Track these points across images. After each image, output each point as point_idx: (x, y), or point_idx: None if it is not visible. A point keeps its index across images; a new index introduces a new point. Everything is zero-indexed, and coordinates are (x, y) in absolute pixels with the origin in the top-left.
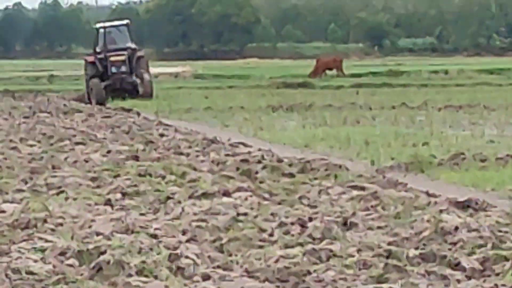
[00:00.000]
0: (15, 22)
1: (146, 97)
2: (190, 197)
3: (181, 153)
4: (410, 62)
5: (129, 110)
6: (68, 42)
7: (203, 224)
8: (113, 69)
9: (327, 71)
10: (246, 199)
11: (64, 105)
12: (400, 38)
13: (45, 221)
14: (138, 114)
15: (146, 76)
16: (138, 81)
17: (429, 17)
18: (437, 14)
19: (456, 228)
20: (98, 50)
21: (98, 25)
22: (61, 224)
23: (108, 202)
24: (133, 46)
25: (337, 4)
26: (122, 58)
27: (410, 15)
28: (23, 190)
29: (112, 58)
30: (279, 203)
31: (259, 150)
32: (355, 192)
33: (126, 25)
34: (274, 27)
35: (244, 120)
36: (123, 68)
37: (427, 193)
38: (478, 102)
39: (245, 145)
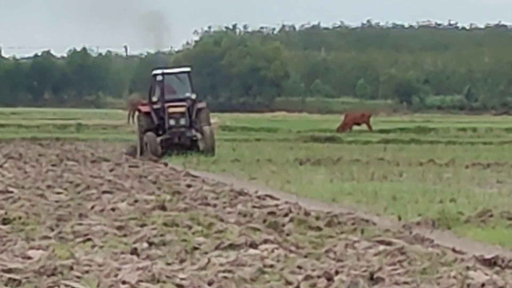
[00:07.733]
0: (43, 70)
1: (208, 153)
2: (216, 248)
3: (208, 204)
4: (438, 119)
5: (156, 160)
6: (96, 91)
7: (229, 275)
8: (171, 122)
9: (354, 126)
10: (272, 251)
11: (92, 153)
12: (429, 95)
13: (71, 268)
14: (166, 164)
15: (206, 129)
16: (199, 135)
17: (458, 75)
18: (466, 72)
19: (483, 285)
20: (154, 99)
21: (155, 72)
22: (87, 272)
23: (134, 251)
24: (193, 96)
25: (367, 60)
26: (182, 109)
27: (439, 72)
28: (49, 237)
29: (170, 110)
30: (306, 256)
31: (286, 203)
32: (381, 247)
33: (187, 72)
34: (303, 81)
35: (272, 173)
36: (182, 121)
37: (454, 250)
38: (505, 161)
39: (272, 197)
